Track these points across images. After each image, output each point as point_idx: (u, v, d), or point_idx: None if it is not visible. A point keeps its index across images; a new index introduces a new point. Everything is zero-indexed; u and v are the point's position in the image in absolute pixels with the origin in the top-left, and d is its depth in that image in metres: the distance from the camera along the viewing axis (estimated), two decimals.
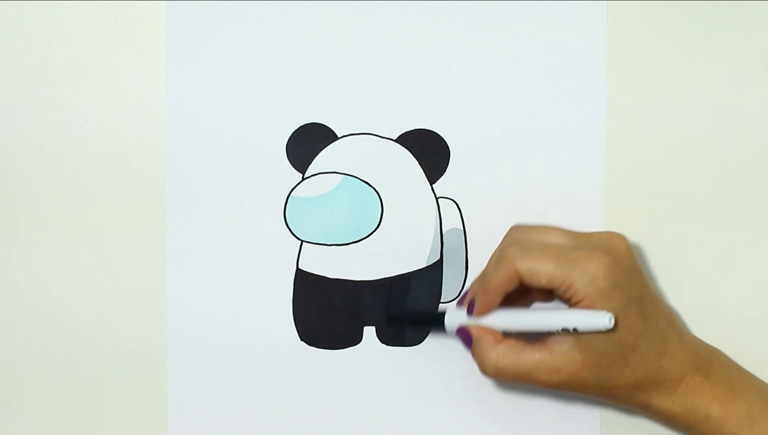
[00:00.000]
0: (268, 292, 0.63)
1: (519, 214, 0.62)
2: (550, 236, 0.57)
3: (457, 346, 0.63)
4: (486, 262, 0.59)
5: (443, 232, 0.63)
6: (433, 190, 0.63)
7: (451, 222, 0.63)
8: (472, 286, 0.60)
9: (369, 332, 0.63)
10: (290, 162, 0.63)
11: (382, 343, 0.63)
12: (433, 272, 0.63)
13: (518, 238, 0.57)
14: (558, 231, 0.57)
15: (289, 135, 0.63)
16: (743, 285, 0.63)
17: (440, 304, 0.63)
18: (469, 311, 0.58)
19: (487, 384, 0.63)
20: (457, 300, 0.62)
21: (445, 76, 0.63)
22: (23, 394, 0.63)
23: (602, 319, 0.53)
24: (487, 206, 0.63)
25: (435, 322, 0.61)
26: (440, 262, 0.63)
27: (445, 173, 0.63)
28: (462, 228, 0.63)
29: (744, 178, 0.63)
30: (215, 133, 0.63)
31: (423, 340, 0.63)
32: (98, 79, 0.63)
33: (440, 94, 0.63)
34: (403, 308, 0.63)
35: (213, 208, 0.63)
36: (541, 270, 0.54)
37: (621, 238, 0.57)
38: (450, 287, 0.63)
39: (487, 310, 0.57)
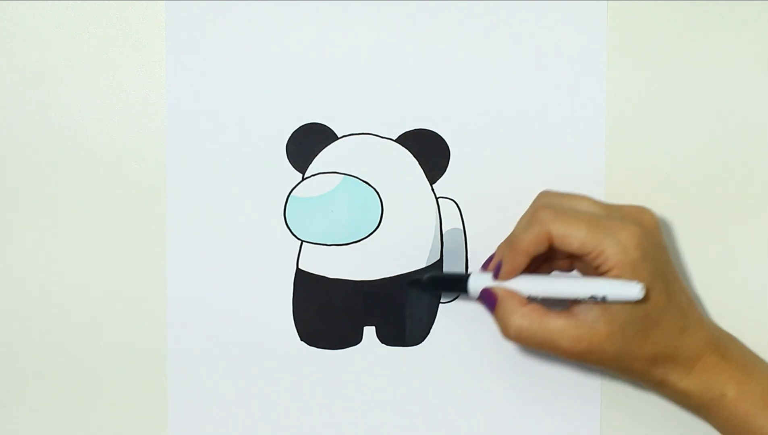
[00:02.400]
0: (268, 292, 0.63)
1: (519, 214, 0.62)
2: (581, 203, 0.57)
3: (456, 346, 0.63)
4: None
5: (443, 232, 0.63)
6: (433, 190, 0.63)
7: (451, 222, 0.63)
8: (498, 250, 0.59)
9: (369, 332, 0.63)
10: (290, 162, 0.63)
11: (382, 343, 0.63)
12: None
13: (549, 202, 0.57)
14: (588, 200, 0.57)
15: (289, 135, 0.63)
16: (743, 283, 0.63)
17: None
18: (495, 274, 0.57)
19: (486, 383, 0.63)
20: (481, 265, 0.61)
21: (445, 76, 0.63)
22: (23, 392, 0.63)
23: (633, 290, 0.52)
24: (487, 206, 0.63)
25: (457, 284, 0.60)
26: (440, 262, 0.63)
27: (445, 173, 0.63)
28: (462, 228, 0.63)
29: (744, 178, 0.63)
30: (215, 133, 0.63)
31: (423, 340, 0.63)
32: (98, 79, 0.63)
33: (440, 94, 0.63)
34: (403, 309, 0.63)
35: (213, 208, 0.63)
36: (573, 234, 0.54)
37: (650, 213, 0.57)
38: None
39: (514, 272, 0.56)
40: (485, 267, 0.60)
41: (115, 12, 0.62)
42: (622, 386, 0.63)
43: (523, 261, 0.56)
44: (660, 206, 0.63)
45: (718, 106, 0.63)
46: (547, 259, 0.59)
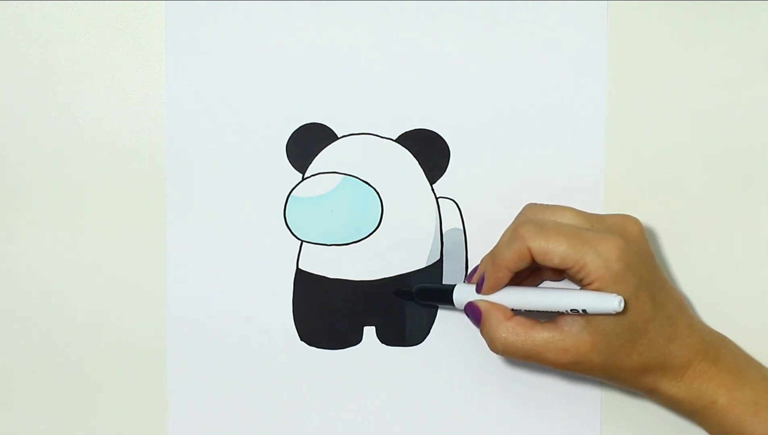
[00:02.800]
0: (268, 292, 0.63)
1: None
2: (564, 216, 0.57)
3: (456, 346, 0.63)
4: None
5: (443, 232, 0.63)
6: (433, 190, 0.63)
7: (451, 222, 0.63)
8: (481, 262, 0.60)
9: (369, 332, 0.63)
10: (290, 162, 0.63)
11: (382, 343, 0.63)
12: (433, 272, 0.63)
13: (532, 216, 0.57)
14: (572, 211, 0.57)
15: (289, 135, 0.63)
16: (744, 284, 0.63)
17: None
18: (478, 288, 0.58)
19: (486, 384, 0.63)
20: (466, 276, 0.62)
21: (445, 75, 0.63)
22: (23, 392, 0.63)
23: (612, 302, 0.52)
24: (487, 206, 0.63)
25: (443, 296, 0.61)
26: (440, 262, 0.63)
27: (445, 173, 0.63)
28: (462, 228, 0.63)
29: (744, 178, 0.63)
30: (215, 133, 0.63)
31: (423, 340, 0.63)
32: (98, 79, 0.63)
33: (440, 94, 0.63)
34: (403, 309, 0.63)
35: (213, 208, 0.63)
36: (554, 250, 0.54)
37: (635, 221, 0.57)
38: None
39: (496, 287, 0.57)
40: (470, 278, 0.60)
41: (115, 12, 0.62)
42: (622, 391, 0.63)
43: (505, 276, 0.56)
44: (660, 206, 0.63)
45: (718, 106, 0.63)
46: (536, 270, 0.59)
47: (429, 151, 0.63)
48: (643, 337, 0.55)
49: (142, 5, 0.63)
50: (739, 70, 0.63)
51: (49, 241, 0.63)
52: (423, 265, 0.63)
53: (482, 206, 0.63)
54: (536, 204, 0.58)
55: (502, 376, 0.63)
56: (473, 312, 0.58)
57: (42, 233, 0.63)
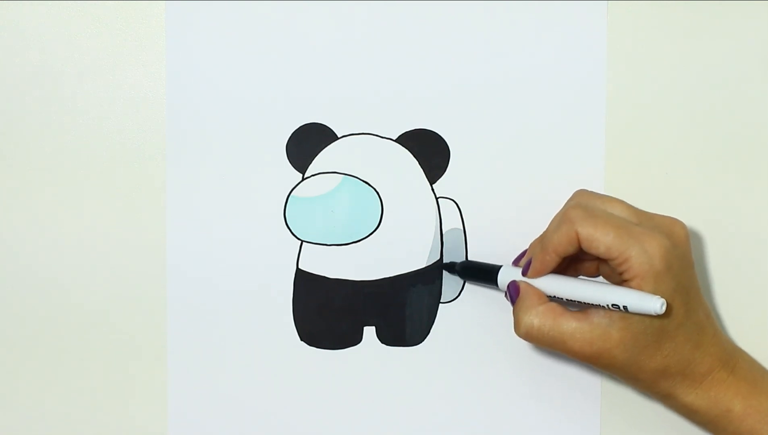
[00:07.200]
0: (268, 292, 0.63)
1: (519, 214, 0.62)
2: (614, 208, 0.57)
3: (456, 346, 0.63)
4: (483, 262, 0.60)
5: (443, 232, 0.63)
6: (433, 190, 0.63)
7: (451, 222, 0.63)
8: (530, 247, 0.59)
9: (369, 332, 0.63)
10: (290, 162, 0.63)
11: (382, 343, 0.63)
12: (433, 272, 0.63)
13: (583, 202, 0.57)
14: (622, 204, 0.57)
15: (289, 135, 0.63)
16: (744, 284, 0.63)
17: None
18: (525, 271, 0.58)
19: (486, 384, 0.63)
20: (513, 260, 0.61)
21: (445, 76, 0.63)
22: (23, 391, 0.63)
23: (654, 304, 0.52)
24: (487, 206, 0.63)
25: (488, 275, 0.60)
26: (440, 261, 0.63)
27: (445, 173, 0.63)
28: (462, 228, 0.63)
29: (744, 178, 0.63)
30: (215, 133, 0.63)
31: (423, 340, 0.63)
32: (98, 79, 0.63)
33: (440, 94, 0.63)
34: (403, 309, 0.63)
35: (213, 208, 0.63)
36: (600, 238, 0.54)
37: (681, 225, 0.57)
38: (450, 287, 0.63)
39: (543, 271, 0.57)
40: (516, 262, 0.60)
41: (115, 12, 0.62)
42: (622, 386, 0.63)
43: (552, 260, 0.56)
44: (660, 206, 0.63)
45: (718, 105, 0.63)
46: (574, 262, 0.59)
47: (429, 151, 0.63)
48: (671, 341, 0.55)
49: (142, 5, 0.62)
50: (739, 70, 0.63)
51: (50, 241, 0.63)
52: (423, 265, 0.63)
53: (482, 206, 0.63)
54: (587, 190, 0.58)
55: (501, 376, 0.63)
56: (513, 291, 0.58)
57: (42, 232, 0.63)
